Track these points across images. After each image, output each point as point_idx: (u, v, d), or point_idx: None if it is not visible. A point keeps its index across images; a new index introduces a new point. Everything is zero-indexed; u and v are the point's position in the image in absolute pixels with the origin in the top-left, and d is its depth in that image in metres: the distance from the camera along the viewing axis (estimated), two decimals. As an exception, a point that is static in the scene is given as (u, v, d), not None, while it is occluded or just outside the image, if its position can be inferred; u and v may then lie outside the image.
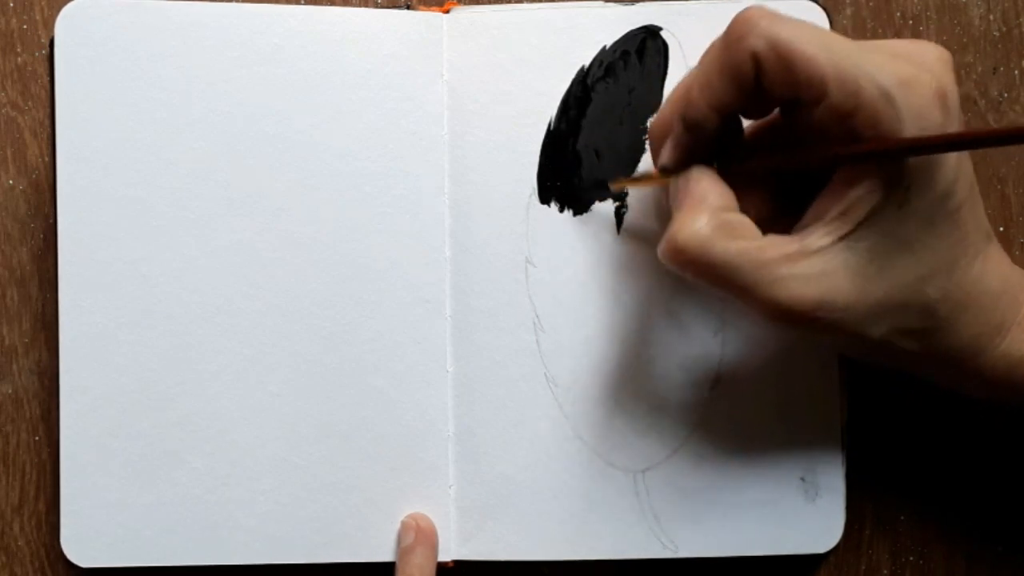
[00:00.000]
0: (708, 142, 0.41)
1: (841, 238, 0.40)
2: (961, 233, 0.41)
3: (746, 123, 0.43)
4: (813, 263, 0.39)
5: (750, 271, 0.39)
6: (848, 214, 0.39)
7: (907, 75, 0.38)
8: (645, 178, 0.45)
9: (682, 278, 0.41)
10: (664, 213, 0.45)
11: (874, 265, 0.40)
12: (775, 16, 0.39)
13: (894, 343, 0.42)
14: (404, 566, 0.46)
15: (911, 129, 0.38)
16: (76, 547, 0.46)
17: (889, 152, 0.38)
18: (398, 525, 0.47)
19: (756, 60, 0.39)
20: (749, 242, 0.40)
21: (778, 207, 0.43)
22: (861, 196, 0.39)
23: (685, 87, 0.42)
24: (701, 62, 0.41)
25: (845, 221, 0.40)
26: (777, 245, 0.40)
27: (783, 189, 0.44)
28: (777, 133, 0.44)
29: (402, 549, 0.46)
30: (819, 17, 0.47)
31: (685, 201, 0.41)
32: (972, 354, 0.42)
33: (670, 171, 0.42)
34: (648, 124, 0.44)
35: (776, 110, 0.43)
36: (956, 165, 0.40)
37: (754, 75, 0.39)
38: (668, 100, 0.43)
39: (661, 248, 0.41)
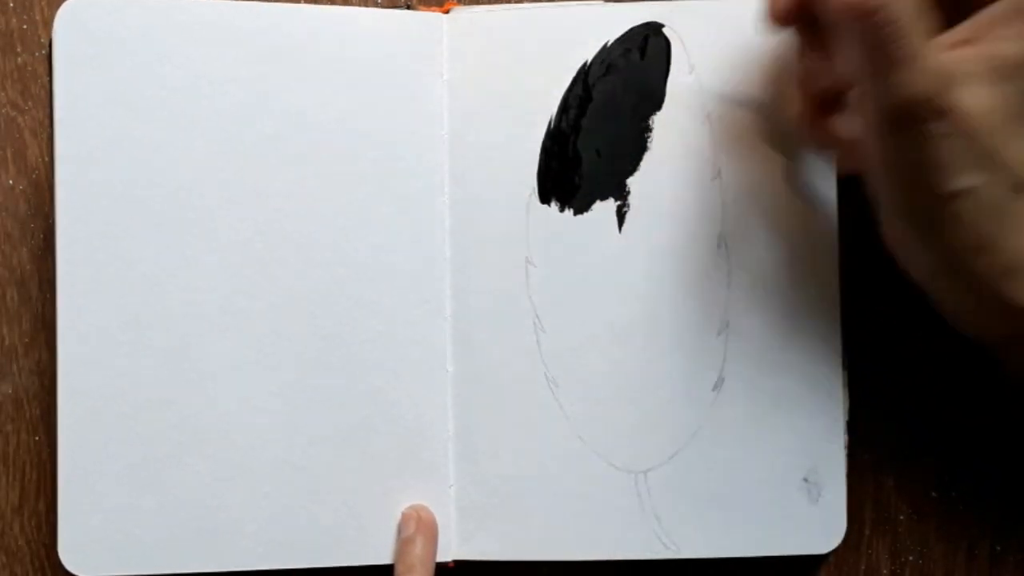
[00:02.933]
0: None
1: (996, 72, 0.38)
2: None
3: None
4: (965, 66, 0.38)
5: (915, 44, 0.38)
6: (995, 53, 0.38)
7: None
8: None
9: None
10: None
11: (1005, 114, 0.39)
12: None
13: (960, 214, 0.39)
14: (404, 556, 0.46)
15: None
16: (74, 557, 0.46)
17: None
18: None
19: None
20: (925, 23, 0.38)
21: None
22: (1012, 40, 0.38)
23: None
24: None
25: (992, 57, 0.38)
26: (941, 44, 0.38)
27: None
28: None
29: (402, 540, 0.46)
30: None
31: None
32: None
33: None
34: None
35: None
36: None
37: None
38: None
39: None
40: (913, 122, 0.39)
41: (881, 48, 0.38)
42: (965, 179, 0.39)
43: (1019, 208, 0.40)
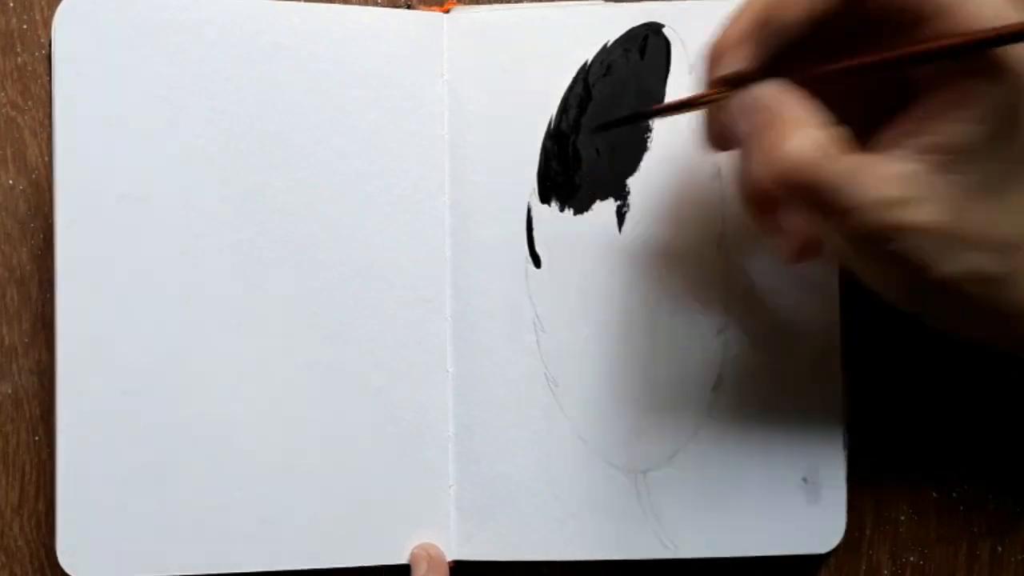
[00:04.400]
0: (787, 55, 0.38)
1: (941, 164, 0.37)
2: None
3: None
4: (909, 187, 0.37)
5: (850, 193, 0.37)
6: (939, 146, 0.37)
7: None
8: (697, 99, 0.40)
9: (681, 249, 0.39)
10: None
11: (970, 200, 0.37)
12: None
13: (959, 287, 0.39)
14: None
15: (1007, 55, 0.36)
16: (73, 560, 0.45)
17: (981, 42, 0.35)
18: (398, 526, 0.47)
19: None
20: (849, 162, 0.37)
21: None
22: (953, 130, 0.37)
23: None
24: None
25: (936, 152, 0.37)
26: (872, 165, 0.37)
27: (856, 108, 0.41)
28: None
29: None
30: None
31: (778, 118, 0.38)
32: None
33: (743, 79, 0.38)
34: (712, 41, 0.40)
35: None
36: None
37: None
38: (742, 12, 0.39)
39: (760, 169, 0.38)
40: (876, 245, 0.38)
41: (817, 205, 0.38)
42: (948, 266, 0.38)
43: (1017, 265, 0.39)
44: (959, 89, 0.37)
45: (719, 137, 0.41)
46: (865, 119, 0.39)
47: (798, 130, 0.37)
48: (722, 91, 0.39)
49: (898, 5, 0.37)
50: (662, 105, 0.43)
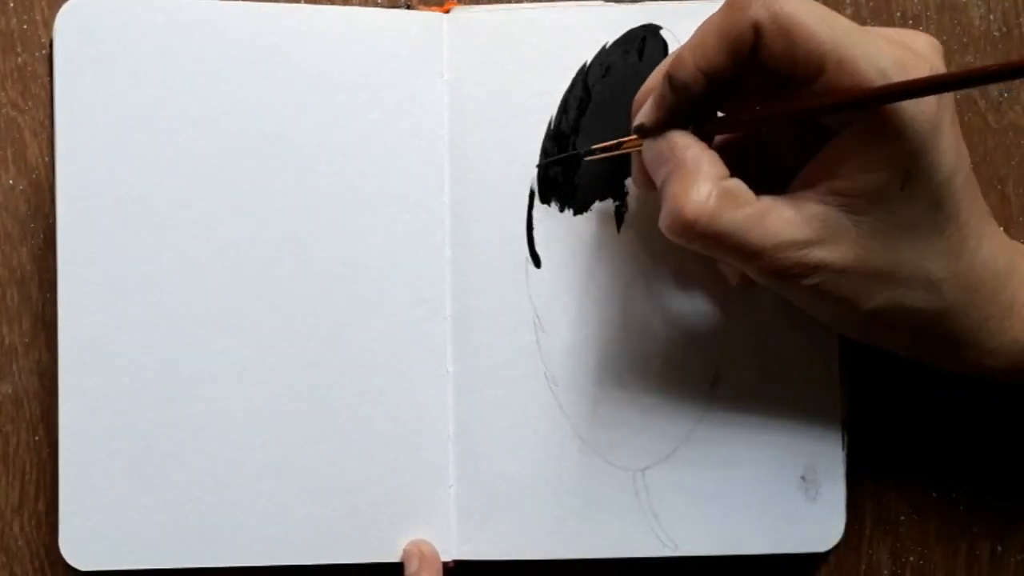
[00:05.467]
0: (689, 107, 0.41)
1: (848, 206, 0.39)
2: (967, 215, 0.40)
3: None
4: (814, 228, 0.39)
5: (755, 238, 0.39)
6: (845, 190, 0.39)
7: (904, 59, 0.38)
8: (620, 144, 0.44)
9: (681, 247, 0.41)
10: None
11: (877, 240, 0.40)
12: None
13: (894, 319, 0.41)
14: None
15: (906, 109, 0.38)
16: (74, 549, 0.46)
17: (870, 99, 0.38)
18: (398, 525, 0.47)
19: (757, 30, 0.38)
20: (752, 208, 0.39)
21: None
22: (857, 175, 0.39)
23: (677, 52, 0.41)
24: (699, 27, 0.41)
25: (842, 195, 0.39)
26: (777, 209, 0.40)
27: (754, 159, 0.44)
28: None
29: None
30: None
31: (678, 170, 0.40)
32: (984, 337, 0.42)
33: (647, 131, 0.41)
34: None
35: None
36: (956, 147, 0.39)
37: (752, 44, 0.39)
38: (658, 68, 0.43)
39: (665, 221, 0.40)
40: (793, 282, 0.40)
41: (723, 252, 0.40)
42: (869, 301, 0.41)
43: (945, 301, 0.41)
44: (861, 138, 0.39)
45: (647, 181, 0.43)
46: (795, 157, 0.42)
47: (695, 184, 0.40)
48: (636, 140, 0.42)
49: (791, 61, 0.39)
50: (596, 147, 0.45)
